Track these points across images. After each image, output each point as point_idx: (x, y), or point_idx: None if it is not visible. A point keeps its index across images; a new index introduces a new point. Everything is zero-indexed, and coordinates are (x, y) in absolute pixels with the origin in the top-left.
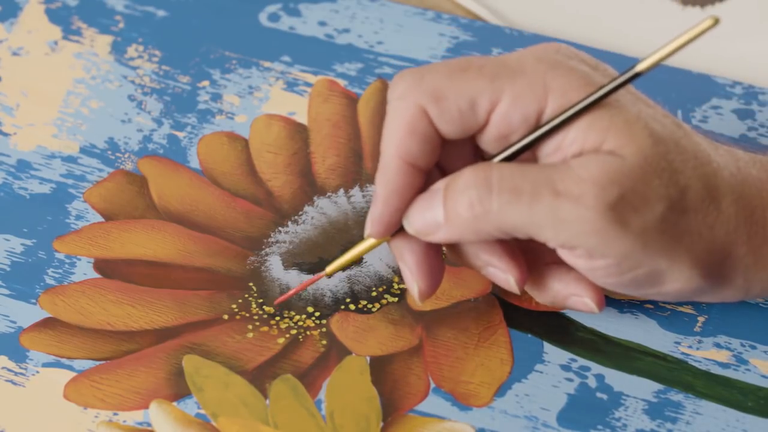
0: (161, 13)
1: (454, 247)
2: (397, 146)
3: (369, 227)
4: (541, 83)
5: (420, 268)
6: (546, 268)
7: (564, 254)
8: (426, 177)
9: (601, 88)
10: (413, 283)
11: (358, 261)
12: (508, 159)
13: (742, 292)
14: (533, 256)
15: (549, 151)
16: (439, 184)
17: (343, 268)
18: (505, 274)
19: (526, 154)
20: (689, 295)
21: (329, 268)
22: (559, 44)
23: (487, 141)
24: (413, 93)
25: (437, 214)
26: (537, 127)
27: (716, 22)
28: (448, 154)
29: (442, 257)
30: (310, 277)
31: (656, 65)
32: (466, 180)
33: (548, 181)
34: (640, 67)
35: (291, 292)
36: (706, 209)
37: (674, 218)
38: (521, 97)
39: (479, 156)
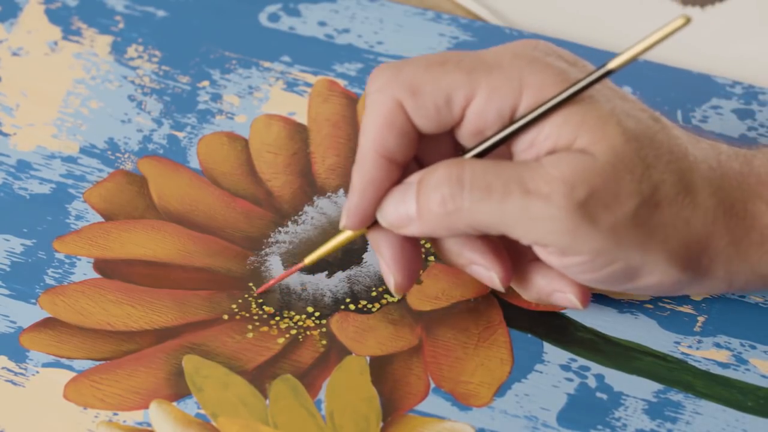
0: (161, 13)
1: (438, 245)
2: (373, 139)
3: (344, 219)
4: (516, 78)
5: (396, 261)
6: (529, 265)
7: (538, 251)
8: (403, 170)
9: (574, 84)
10: (389, 275)
11: (358, 261)
12: (483, 154)
13: (724, 283)
14: (517, 253)
15: (523, 146)
16: (413, 178)
17: (322, 258)
18: (488, 272)
19: (501, 149)
20: (670, 289)
21: (307, 259)
22: (538, 41)
23: (464, 135)
24: (391, 86)
25: (410, 208)
26: (511, 122)
27: (687, 21)
28: (426, 148)
29: (420, 252)
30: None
31: (628, 63)
32: (438, 176)
33: (519, 179)
34: (612, 65)
35: (271, 282)
36: (681, 203)
37: (647, 213)
38: (496, 91)
39: (458, 150)
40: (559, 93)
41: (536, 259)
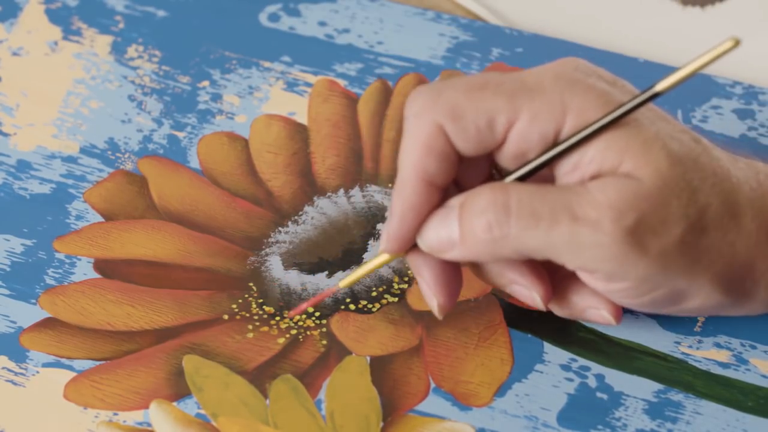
0: (161, 13)
1: (478, 267)
2: (414, 164)
3: (384, 243)
4: (559, 102)
5: (438, 283)
6: (563, 281)
7: (583, 276)
8: (443, 194)
9: (618, 107)
10: (432, 298)
11: (358, 261)
12: (525, 177)
13: (765, 305)
14: (550, 270)
15: (567, 169)
16: (454, 201)
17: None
18: (530, 292)
19: (543, 172)
20: (711, 311)
21: (342, 283)
22: (578, 60)
23: (505, 158)
24: (430, 110)
25: (452, 232)
26: (554, 145)
27: (736, 44)
28: (465, 170)
29: (461, 271)
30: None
31: (676, 86)
32: (484, 202)
33: (566, 205)
34: (659, 87)
35: (304, 305)
36: (726, 226)
37: (694, 238)
38: (539, 115)
39: (496, 171)
40: (604, 116)
41: (569, 275)
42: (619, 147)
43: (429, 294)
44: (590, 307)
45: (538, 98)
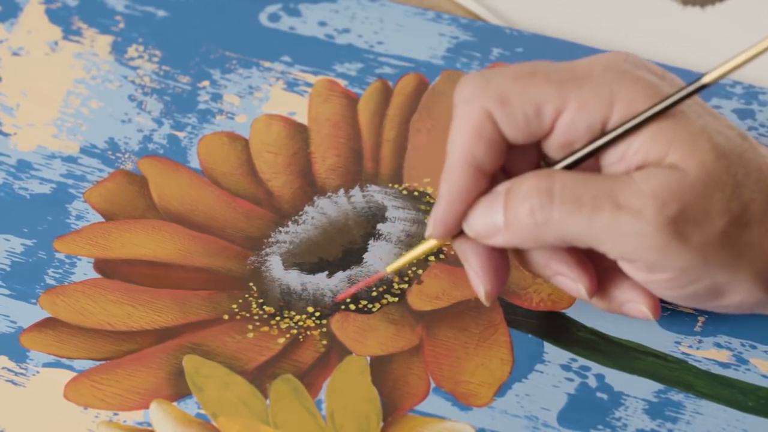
0: (161, 13)
1: (523, 256)
2: (462, 149)
3: (431, 228)
4: (607, 92)
5: (485, 270)
6: (604, 274)
7: (624, 266)
8: (491, 181)
9: (666, 98)
10: (479, 285)
11: (358, 261)
12: (571, 166)
13: None
14: (592, 263)
15: (613, 160)
16: (500, 188)
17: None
18: (575, 284)
19: (589, 162)
20: (750, 308)
21: (389, 268)
22: (628, 53)
23: (552, 147)
24: (480, 97)
25: (497, 218)
26: (601, 135)
27: None
28: (513, 159)
29: (508, 258)
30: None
31: (723, 77)
32: (528, 187)
33: (610, 193)
34: (706, 79)
35: (352, 290)
36: None
37: (736, 232)
38: (587, 104)
39: (543, 161)
40: (652, 106)
41: (609, 269)
42: (665, 138)
43: (476, 281)
44: (629, 301)
45: (586, 87)
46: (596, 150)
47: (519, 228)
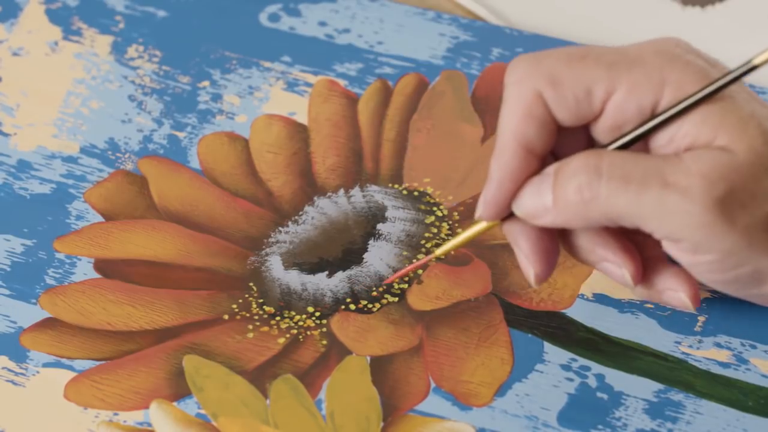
0: (161, 13)
1: (570, 242)
2: (513, 130)
3: (480, 209)
4: (658, 75)
5: (535, 253)
6: (646, 263)
7: (668, 247)
8: (541, 163)
9: (716, 80)
10: (529, 267)
11: (358, 261)
12: (621, 149)
13: None
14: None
15: (661, 143)
16: (550, 169)
17: (453, 250)
18: (620, 269)
19: (638, 145)
20: None
21: (438, 251)
22: (678, 38)
23: (601, 131)
24: (531, 77)
25: (546, 198)
26: (652, 117)
27: None
28: (562, 142)
29: (557, 241)
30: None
31: None
32: (576, 164)
33: (658, 171)
34: (757, 60)
35: (401, 272)
36: None
37: None
38: (638, 87)
39: (592, 146)
40: (703, 88)
41: (653, 258)
42: (714, 122)
43: (526, 264)
44: (669, 290)
45: (637, 70)
46: (646, 133)
47: (567, 206)
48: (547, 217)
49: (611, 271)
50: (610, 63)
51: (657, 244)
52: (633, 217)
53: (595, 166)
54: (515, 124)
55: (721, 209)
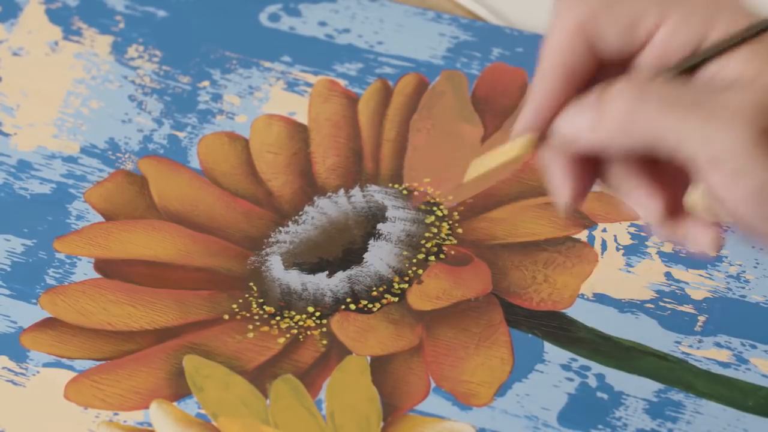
0: (161, 13)
1: (603, 173)
2: (557, 52)
3: (519, 124)
4: (708, 11)
5: (568, 178)
6: (674, 201)
7: (707, 174)
8: (578, 93)
9: (765, 20)
10: (560, 193)
11: (358, 261)
12: None
13: None
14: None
15: (705, 79)
16: (594, 90)
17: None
18: (650, 200)
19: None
20: None
21: (467, 177)
22: None
23: (644, 66)
24: (579, 3)
25: (588, 117)
26: (700, 52)
27: None
28: (601, 79)
29: (591, 171)
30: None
31: None
32: (622, 85)
33: (705, 97)
34: None
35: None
36: None
37: None
38: (687, 21)
39: None
40: (753, 25)
41: (678, 199)
42: (761, 58)
43: (558, 189)
44: (694, 231)
45: (688, 5)
46: (694, 66)
47: (610, 122)
48: (588, 136)
49: (640, 201)
50: None
51: (683, 185)
52: (675, 139)
53: (640, 87)
54: (560, 46)
55: (765, 138)
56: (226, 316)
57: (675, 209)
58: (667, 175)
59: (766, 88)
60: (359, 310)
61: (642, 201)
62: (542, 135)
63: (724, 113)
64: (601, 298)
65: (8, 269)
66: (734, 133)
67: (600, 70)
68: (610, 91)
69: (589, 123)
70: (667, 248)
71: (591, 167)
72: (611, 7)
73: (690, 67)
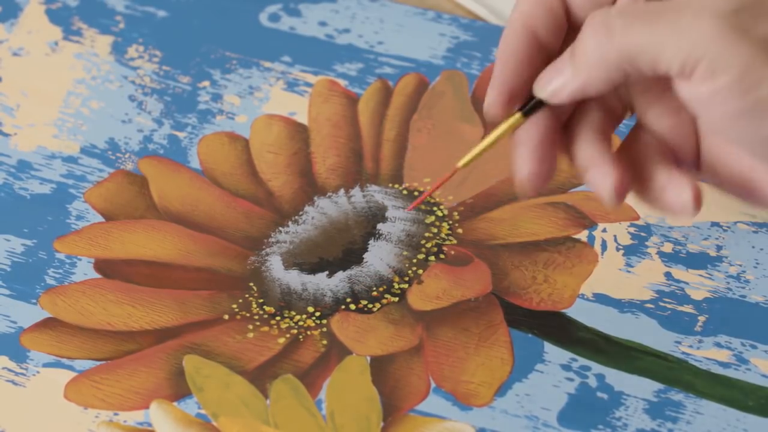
0: (161, 13)
1: (571, 151)
2: (521, 11)
3: (487, 100)
4: None
5: (533, 153)
6: (645, 163)
7: (684, 82)
8: (547, 58)
9: None
10: (524, 167)
11: (358, 261)
12: None
13: None
14: (641, 154)
15: None
16: (567, 50)
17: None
18: (605, 179)
19: None
20: None
21: (461, 162)
22: None
23: None
24: None
25: (566, 71)
26: None
27: None
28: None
29: (556, 152)
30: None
31: None
32: (586, 22)
33: (668, 3)
34: None
35: (425, 195)
36: None
37: None
38: None
39: None
40: None
41: (654, 154)
42: None
43: (521, 164)
44: (670, 188)
45: None
46: None
47: (587, 59)
48: (569, 84)
49: (596, 181)
50: None
51: (660, 148)
52: (649, 48)
53: (606, 15)
54: (525, 9)
55: (734, 21)
56: (226, 316)
57: (650, 172)
58: (637, 142)
59: None
60: (359, 310)
61: (598, 180)
62: (511, 101)
63: (688, 10)
64: (601, 298)
65: (8, 269)
66: (702, 25)
67: (571, 34)
68: (579, 38)
69: (568, 72)
70: (667, 248)
71: (554, 151)
72: None
73: None
